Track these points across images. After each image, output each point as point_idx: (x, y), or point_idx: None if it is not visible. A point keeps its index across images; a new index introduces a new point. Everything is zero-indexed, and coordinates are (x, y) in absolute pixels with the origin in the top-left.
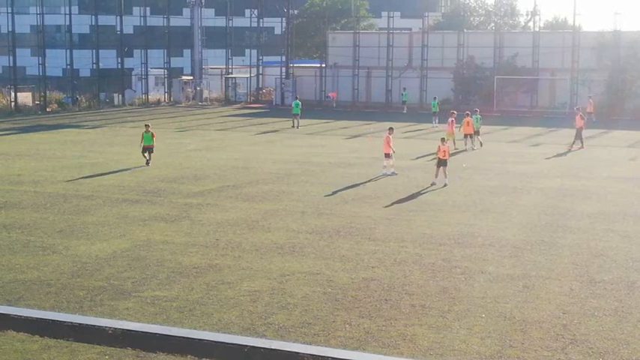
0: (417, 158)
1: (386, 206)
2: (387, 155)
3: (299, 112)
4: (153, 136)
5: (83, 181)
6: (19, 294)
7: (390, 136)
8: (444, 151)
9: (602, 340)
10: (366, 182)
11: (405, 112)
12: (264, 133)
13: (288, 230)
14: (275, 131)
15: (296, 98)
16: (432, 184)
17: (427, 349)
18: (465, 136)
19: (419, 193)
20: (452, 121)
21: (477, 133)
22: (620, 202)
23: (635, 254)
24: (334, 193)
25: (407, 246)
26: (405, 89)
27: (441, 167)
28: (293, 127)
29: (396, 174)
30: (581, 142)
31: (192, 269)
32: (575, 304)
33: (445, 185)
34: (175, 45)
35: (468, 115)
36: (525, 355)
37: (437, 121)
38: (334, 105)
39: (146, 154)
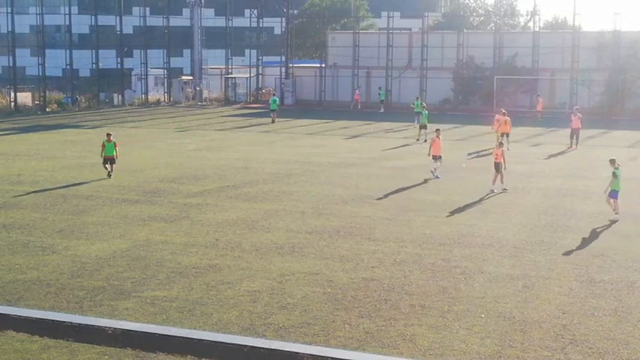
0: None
1: (386, 206)
2: (436, 157)
3: (276, 108)
4: (116, 145)
5: (83, 181)
6: (19, 294)
7: (439, 138)
8: (497, 154)
9: (602, 340)
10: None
11: (381, 111)
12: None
13: (288, 230)
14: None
15: (273, 95)
16: (503, 190)
17: (427, 349)
18: (502, 135)
19: (418, 194)
20: (498, 119)
21: (424, 127)
22: (620, 202)
23: (635, 254)
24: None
25: (407, 246)
26: (380, 88)
27: (498, 173)
28: (273, 122)
29: (439, 177)
30: (571, 143)
31: (191, 269)
32: (575, 304)
33: (493, 192)
34: (175, 45)
35: (505, 114)
36: (525, 355)
37: (418, 120)
38: (359, 107)
39: (107, 166)
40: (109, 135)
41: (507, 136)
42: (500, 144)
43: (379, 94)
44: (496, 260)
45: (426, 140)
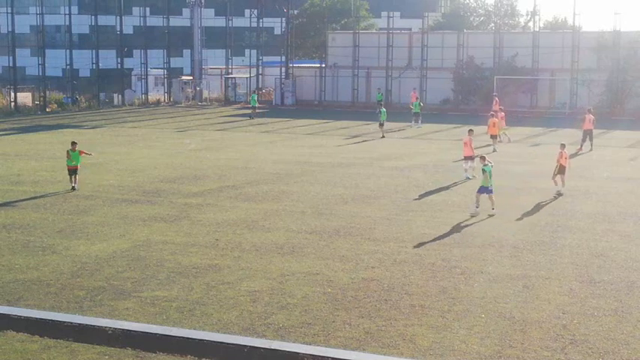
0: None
1: (386, 206)
2: (469, 158)
3: (255, 105)
4: (81, 153)
5: (83, 181)
6: (19, 294)
7: (471, 138)
8: (566, 157)
9: (602, 340)
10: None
11: (378, 112)
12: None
13: (288, 230)
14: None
15: (254, 92)
16: (557, 195)
17: (427, 349)
18: (491, 137)
19: (419, 194)
20: (494, 119)
21: (381, 125)
22: (620, 202)
23: (635, 254)
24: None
25: (407, 246)
26: (379, 89)
27: (560, 175)
28: (251, 118)
29: (471, 178)
30: (581, 145)
31: (192, 269)
32: (575, 304)
33: (561, 195)
34: (175, 45)
35: (492, 115)
36: (525, 355)
37: (420, 121)
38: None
39: (72, 177)
40: (74, 144)
41: (495, 138)
42: (563, 145)
43: (377, 94)
44: (496, 260)
45: (383, 138)
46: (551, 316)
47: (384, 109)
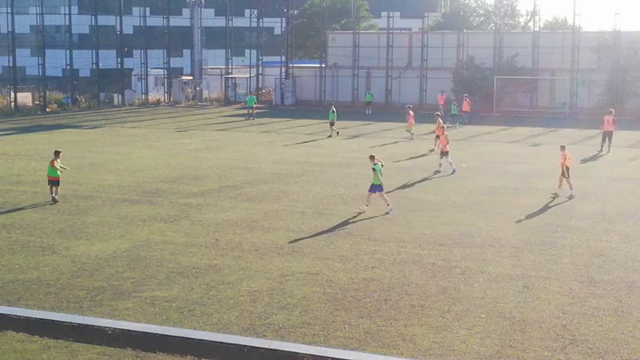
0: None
1: (386, 206)
2: (445, 154)
3: (253, 105)
4: (61, 166)
5: (83, 181)
6: (19, 294)
7: (446, 135)
8: (568, 158)
9: (602, 340)
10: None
11: (368, 112)
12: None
13: (288, 230)
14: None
15: (250, 94)
16: (569, 197)
17: (427, 349)
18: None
19: (419, 193)
20: (411, 114)
21: (332, 124)
22: (620, 202)
23: (635, 254)
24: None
25: (407, 246)
26: (370, 90)
27: (563, 176)
28: (247, 119)
29: (449, 173)
30: (602, 146)
31: (192, 269)
32: (575, 304)
33: (571, 197)
34: (175, 45)
35: (438, 115)
36: (525, 355)
37: (452, 121)
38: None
39: (53, 188)
40: (57, 153)
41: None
42: (563, 147)
43: (367, 95)
44: (496, 260)
45: (338, 135)
46: (551, 316)
47: (334, 109)
